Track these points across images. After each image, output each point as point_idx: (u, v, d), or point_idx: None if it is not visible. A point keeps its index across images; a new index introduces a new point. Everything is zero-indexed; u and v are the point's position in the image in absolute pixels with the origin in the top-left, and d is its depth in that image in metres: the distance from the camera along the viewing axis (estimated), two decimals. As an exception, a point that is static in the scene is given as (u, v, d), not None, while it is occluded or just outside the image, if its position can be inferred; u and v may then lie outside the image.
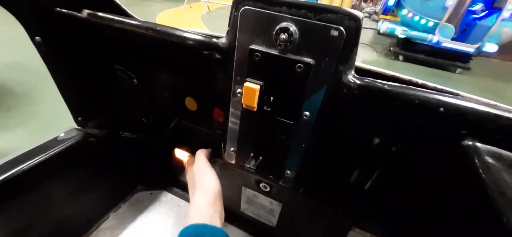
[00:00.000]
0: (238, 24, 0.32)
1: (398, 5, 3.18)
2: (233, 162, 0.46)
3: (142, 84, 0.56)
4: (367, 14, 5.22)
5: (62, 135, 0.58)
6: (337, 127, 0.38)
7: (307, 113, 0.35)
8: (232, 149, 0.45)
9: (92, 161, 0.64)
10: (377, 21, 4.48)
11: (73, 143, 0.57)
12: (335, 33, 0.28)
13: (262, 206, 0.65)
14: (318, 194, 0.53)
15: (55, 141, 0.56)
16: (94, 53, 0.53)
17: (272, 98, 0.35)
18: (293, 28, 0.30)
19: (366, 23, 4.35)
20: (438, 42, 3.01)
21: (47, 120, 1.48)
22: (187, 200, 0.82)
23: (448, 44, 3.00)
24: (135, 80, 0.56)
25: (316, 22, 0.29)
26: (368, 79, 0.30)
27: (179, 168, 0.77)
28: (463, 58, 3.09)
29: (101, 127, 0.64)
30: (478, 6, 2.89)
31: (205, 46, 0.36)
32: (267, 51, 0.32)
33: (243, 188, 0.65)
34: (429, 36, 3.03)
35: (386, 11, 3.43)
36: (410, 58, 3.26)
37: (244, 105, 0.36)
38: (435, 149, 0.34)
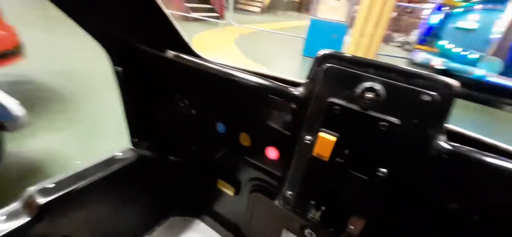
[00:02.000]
0: (321, 79, 0.33)
1: (436, 36, 3.06)
2: (290, 206, 0.43)
3: (199, 115, 0.58)
4: (399, 44, 5.10)
5: (120, 154, 0.60)
6: (413, 188, 0.35)
7: (384, 170, 0.32)
8: (290, 193, 0.42)
9: (140, 180, 0.66)
10: (409, 51, 4.34)
11: (129, 162, 0.59)
12: (427, 98, 0.27)
13: (303, 253, 0.60)
14: None
15: (113, 160, 0.58)
16: (163, 84, 0.56)
17: (346, 151, 0.34)
18: (379, 87, 0.29)
19: (398, 52, 4.24)
20: (482, 76, 2.80)
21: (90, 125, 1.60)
22: (220, 232, 0.79)
23: (495, 78, 2.77)
24: (193, 111, 0.57)
25: (406, 85, 0.28)
26: (463, 148, 0.27)
27: (217, 198, 0.76)
28: (512, 94, 2.82)
29: (153, 148, 0.66)
30: (530, 40, 2.67)
31: (282, 95, 0.37)
32: (347, 106, 0.32)
33: (284, 231, 0.61)
34: (470, 69, 2.84)
35: (422, 41, 3.32)
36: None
37: (314, 154, 0.34)
38: None
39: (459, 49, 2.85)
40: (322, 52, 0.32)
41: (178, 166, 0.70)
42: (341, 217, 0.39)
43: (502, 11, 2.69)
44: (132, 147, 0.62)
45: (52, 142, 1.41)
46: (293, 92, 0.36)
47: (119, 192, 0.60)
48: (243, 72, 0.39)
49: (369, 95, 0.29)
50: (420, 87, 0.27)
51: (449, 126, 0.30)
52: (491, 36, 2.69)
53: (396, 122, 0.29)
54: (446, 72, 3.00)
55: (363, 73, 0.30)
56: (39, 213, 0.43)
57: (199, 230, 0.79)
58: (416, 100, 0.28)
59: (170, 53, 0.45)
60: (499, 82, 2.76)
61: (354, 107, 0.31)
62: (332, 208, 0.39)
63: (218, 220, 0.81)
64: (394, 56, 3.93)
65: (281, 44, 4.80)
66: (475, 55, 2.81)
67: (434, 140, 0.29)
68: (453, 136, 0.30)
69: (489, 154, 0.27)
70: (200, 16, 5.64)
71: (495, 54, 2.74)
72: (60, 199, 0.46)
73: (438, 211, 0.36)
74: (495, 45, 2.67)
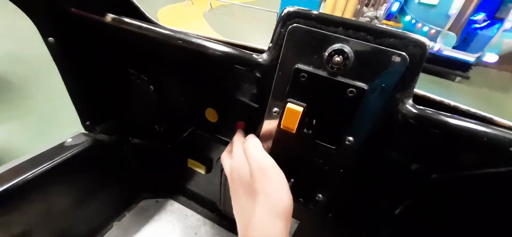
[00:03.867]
0: (284, 42, 0.30)
1: (402, 11, 3.19)
2: None
3: (158, 91, 0.53)
4: (368, 19, 5.23)
5: (70, 140, 0.54)
6: (380, 153, 0.36)
7: (351, 138, 0.33)
8: None
9: (98, 167, 0.61)
10: (378, 25, 4.48)
11: (81, 149, 0.53)
12: (397, 59, 0.26)
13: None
14: (345, 218, 0.51)
15: (61, 147, 0.52)
16: (109, 56, 0.49)
17: (314, 121, 0.33)
18: (348, 50, 0.27)
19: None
20: (439, 50, 3.04)
21: (43, 114, 1.42)
22: (195, 209, 0.78)
23: (449, 52, 3.03)
24: (151, 86, 0.52)
25: (376, 45, 0.26)
26: (429, 110, 0.27)
27: (189, 177, 0.74)
28: (462, 67, 3.13)
29: (110, 132, 0.60)
30: (480, 16, 2.93)
31: (244, 62, 0.33)
32: (315, 72, 0.29)
33: None
34: (431, 43, 3.06)
35: (389, 17, 3.44)
36: (411, 65, 3.29)
37: (282, 127, 0.33)
38: (488, 181, 0.32)
39: (420, 25, 3.02)
40: (286, 9, 0.29)
41: (143, 148, 0.66)
42: (310, 188, 0.40)
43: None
44: (84, 132, 0.56)
45: (2, 132, 1.24)
46: (257, 60, 0.32)
47: (74, 182, 0.55)
48: (201, 39, 0.34)
49: (337, 58, 0.27)
50: (390, 47, 0.26)
51: (415, 90, 0.29)
52: (450, 12, 2.88)
53: (364, 87, 0.28)
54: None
55: (331, 33, 0.27)
56: None
57: (173, 210, 0.78)
58: (385, 62, 0.27)
59: (109, 17, 0.38)
60: (452, 56, 3.02)
61: (322, 73, 0.29)
62: (301, 179, 0.39)
63: (193, 198, 0.79)
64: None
65: (254, 18, 4.61)
66: (434, 31, 3.01)
67: (401, 104, 0.28)
68: (417, 99, 0.30)
69: (453, 115, 0.27)
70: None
71: (450, 29, 2.96)
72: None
73: (402, 173, 0.38)
74: (452, 21, 2.88)
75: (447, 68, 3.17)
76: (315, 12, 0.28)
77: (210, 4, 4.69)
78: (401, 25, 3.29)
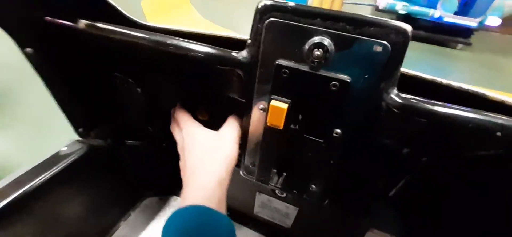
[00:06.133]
0: (262, 38, 0.29)
1: (400, -21, 3.05)
2: (254, 177, 0.44)
3: (146, 93, 0.52)
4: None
5: (65, 149, 0.55)
6: (369, 142, 0.36)
7: (338, 131, 0.33)
8: (252, 163, 0.42)
9: (97, 172, 0.62)
10: (376, -4, 4.33)
11: (77, 157, 0.54)
12: (379, 48, 0.25)
13: (277, 210, 0.64)
14: (341, 202, 0.52)
15: (57, 157, 0.53)
16: (91, 62, 0.48)
17: (300, 116, 0.33)
18: (328, 42, 0.26)
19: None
20: (440, 17, 2.93)
21: (34, 121, 1.41)
22: (198, 203, 0.80)
23: (450, 19, 2.92)
24: (138, 89, 0.52)
25: (356, 36, 0.25)
26: (413, 99, 0.27)
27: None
28: (464, 33, 3.03)
29: (104, 136, 0.60)
30: (482, -23, 2.79)
31: (223, 61, 0.32)
32: (296, 68, 0.29)
33: (257, 193, 0.63)
34: (431, 11, 2.95)
35: (387, -14, 3.30)
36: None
37: (268, 124, 0.33)
38: (476, 165, 0.32)
39: (419, -9, 2.90)
40: (261, 3, 0.27)
41: (139, 149, 0.66)
42: (302, 180, 0.41)
43: None
44: (79, 138, 0.56)
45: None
46: (237, 58, 0.31)
47: (75, 189, 0.56)
48: (179, 40, 0.33)
49: (318, 52, 0.27)
50: (371, 37, 0.25)
51: (403, 69, 0.28)
52: (449, -24, 2.76)
53: (346, 80, 0.28)
54: (407, 16, 3.09)
55: (309, 26, 0.27)
56: None
57: (176, 205, 0.79)
58: (366, 52, 0.26)
59: (82, 23, 0.36)
60: (453, 22, 2.92)
61: (303, 68, 0.29)
62: (293, 173, 0.40)
63: None
64: (359, 4, 3.89)
65: (242, 1, 4.41)
66: (434, -4, 2.89)
67: (386, 94, 0.28)
68: (406, 80, 0.29)
69: (437, 102, 0.27)
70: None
71: (451, -6, 2.84)
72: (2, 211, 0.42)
73: (394, 158, 0.39)
74: (452, -15, 2.76)
75: (449, 36, 3.07)
76: (291, 4, 0.27)
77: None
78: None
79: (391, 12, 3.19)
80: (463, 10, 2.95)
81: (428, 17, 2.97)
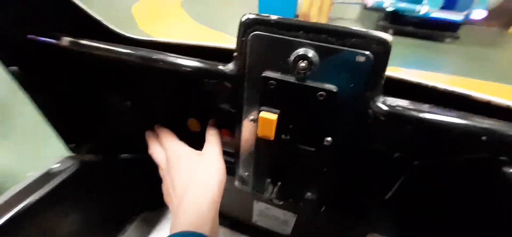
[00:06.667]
0: (248, 50, 0.29)
1: (387, -23, 3.11)
2: (249, 187, 0.43)
3: (136, 106, 0.51)
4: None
5: (56, 166, 0.53)
6: (361, 148, 0.36)
7: (329, 139, 0.33)
8: (246, 173, 0.42)
9: (92, 188, 0.60)
10: (364, -5, 4.39)
11: (69, 174, 0.53)
12: (362, 58, 0.25)
13: (276, 217, 0.64)
14: (338, 207, 0.52)
15: (48, 175, 0.51)
16: (78, 78, 0.47)
17: (290, 126, 0.33)
18: (312, 54, 0.26)
19: (352, -2, 4.25)
20: (426, 13, 2.99)
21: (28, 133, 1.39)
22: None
23: (436, 14, 2.99)
24: (128, 102, 0.51)
25: (339, 47, 0.26)
26: (399, 107, 0.27)
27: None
28: (451, 27, 3.10)
29: (97, 151, 0.59)
30: (465, -28, 2.87)
31: (211, 75, 0.32)
32: (283, 79, 0.29)
33: (254, 202, 0.63)
34: (418, 7, 3.01)
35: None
36: (399, 32, 3.24)
37: (259, 135, 0.33)
38: (467, 167, 0.32)
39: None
40: (245, 17, 0.28)
41: (133, 162, 0.65)
42: (297, 188, 0.41)
43: None
44: (71, 154, 0.55)
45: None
46: (223, 71, 0.32)
47: (69, 207, 0.55)
48: (164, 55, 0.33)
49: (303, 64, 0.27)
50: (353, 47, 0.26)
51: (389, 73, 0.29)
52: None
53: (333, 89, 0.28)
54: (395, 12, 3.14)
55: (292, 38, 0.27)
56: None
57: (174, 217, 0.79)
58: (350, 62, 0.26)
59: (65, 41, 0.36)
60: (440, 17, 2.99)
61: (290, 79, 0.29)
62: (288, 182, 0.40)
63: None
64: (348, 2, 3.94)
65: (234, 3, 4.42)
66: (420, -7, 2.95)
67: (372, 102, 0.29)
68: (393, 84, 0.30)
69: (423, 109, 0.27)
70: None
71: (436, -11, 2.91)
72: None
73: (386, 162, 0.39)
74: (437, -20, 2.82)
75: (436, 30, 3.14)
76: (274, 17, 0.27)
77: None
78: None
79: (379, 9, 3.25)
80: (448, 4, 3.01)
81: (415, 13, 3.03)
